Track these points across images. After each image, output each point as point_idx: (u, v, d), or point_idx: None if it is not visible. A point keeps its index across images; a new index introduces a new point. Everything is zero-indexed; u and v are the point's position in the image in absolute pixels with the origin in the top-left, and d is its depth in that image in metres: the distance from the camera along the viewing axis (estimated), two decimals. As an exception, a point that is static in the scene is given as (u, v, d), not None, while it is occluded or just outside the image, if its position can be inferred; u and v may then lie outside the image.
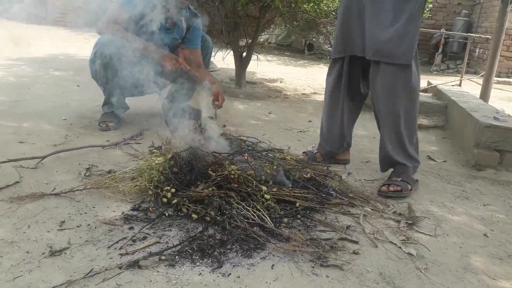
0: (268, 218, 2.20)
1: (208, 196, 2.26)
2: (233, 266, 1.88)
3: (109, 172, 2.83)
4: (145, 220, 2.23)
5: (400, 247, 2.18)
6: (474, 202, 2.95)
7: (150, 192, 2.38)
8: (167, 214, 2.27)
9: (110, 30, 3.58)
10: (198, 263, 1.88)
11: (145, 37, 3.53)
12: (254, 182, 2.37)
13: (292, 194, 2.49)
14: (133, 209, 2.34)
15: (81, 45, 10.40)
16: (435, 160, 3.84)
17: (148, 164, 2.53)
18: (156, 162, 2.53)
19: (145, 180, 2.43)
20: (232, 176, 2.34)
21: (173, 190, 2.30)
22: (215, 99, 3.55)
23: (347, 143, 3.37)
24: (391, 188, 2.80)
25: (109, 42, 3.54)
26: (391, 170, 3.07)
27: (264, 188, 2.38)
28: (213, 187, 2.31)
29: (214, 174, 2.36)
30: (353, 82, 3.10)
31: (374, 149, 3.82)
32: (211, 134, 2.77)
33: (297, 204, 2.45)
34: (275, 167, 2.57)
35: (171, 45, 3.83)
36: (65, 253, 1.87)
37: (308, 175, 2.82)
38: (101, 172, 2.83)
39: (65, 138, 3.51)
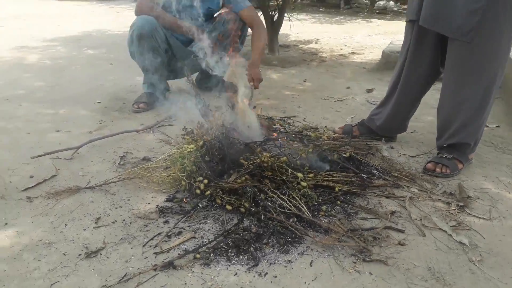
0: (305, 207, 2.08)
1: (242, 186, 2.17)
2: (270, 263, 1.80)
3: (144, 159, 2.80)
4: (180, 212, 2.19)
5: (450, 235, 2.01)
6: (534, 175, 2.69)
7: (183, 182, 2.32)
8: (201, 206, 2.21)
9: (147, 9, 3.55)
10: (233, 261, 1.82)
11: (181, 15, 3.48)
12: (289, 169, 2.24)
13: (330, 178, 2.35)
14: (167, 200, 2.30)
15: (113, 19, 10.39)
16: (487, 126, 3.52)
17: (180, 152, 2.45)
18: (188, 150, 2.45)
19: (178, 170, 2.36)
20: (265, 164, 2.22)
21: (205, 181, 2.22)
22: (251, 79, 3.39)
23: (405, 127, 3.11)
24: (438, 169, 2.58)
25: (146, 23, 3.49)
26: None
27: (299, 174, 2.25)
28: (246, 176, 2.21)
29: (247, 162, 2.25)
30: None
31: (420, 117, 3.56)
32: (244, 118, 2.63)
33: (336, 189, 2.31)
34: (310, 150, 2.42)
35: (207, 15, 3.72)
36: (101, 254, 1.86)
37: (347, 154, 2.65)
38: (135, 160, 2.80)
39: (100, 123, 3.51)
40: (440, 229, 2.06)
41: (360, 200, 2.32)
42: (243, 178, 2.20)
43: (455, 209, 2.22)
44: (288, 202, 2.11)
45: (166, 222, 2.11)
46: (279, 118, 3.22)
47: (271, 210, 2.07)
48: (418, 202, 2.31)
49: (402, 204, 2.27)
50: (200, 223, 2.10)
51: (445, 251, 1.90)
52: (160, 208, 2.21)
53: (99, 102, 4.05)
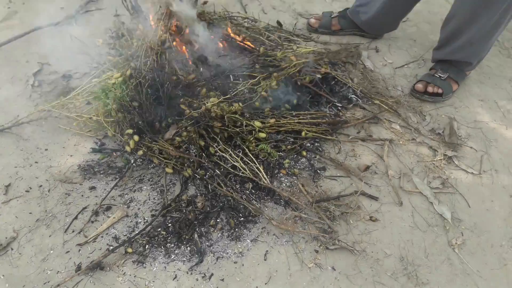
0: (262, 171, 1.69)
1: (182, 144, 1.72)
2: (217, 258, 1.52)
3: (64, 77, 2.20)
4: (109, 173, 1.77)
5: (431, 203, 1.72)
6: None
7: (109, 133, 1.83)
8: (133, 162, 1.79)
9: None
10: (173, 256, 1.52)
11: None
12: (243, 120, 1.75)
13: (296, 120, 1.89)
14: (94, 151, 1.85)
15: None
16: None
17: (104, 85, 1.88)
18: (113, 81, 1.88)
19: (101, 114, 1.84)
20: (212, 114, 1.72)
21: (136, 138, 1.74)
22: None
23: (397, 26, 2.46)
24: (429, 89, 2.12)
25: None
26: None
27: (257, 123, 1.78)
28: (189, 131, 1.73)
29: (189, 110, 1.74)
30: None
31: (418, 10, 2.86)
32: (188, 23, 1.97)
33: (303, 134, 1.88)
34: (273, 83, 1.89)
35: None
36: (12, 249, 1.52)
37: (322, 70, 2.12)
38: (53, 78, 2.20)
39: (9, 8, 2.70)
40: (421, 193, 1.75)
41: (330, 146, 1.92)
42: (184, 134, 1.72)
43: (441, 159, 1.88)
44: (241, 163, 1.71)
45: (92, 188, 1.72)
46: (237, 16, 2.48)
47: (220, 176, 1.67)
48: (399, 146, 1.94)
49: (380, 153, 1.90)
50: (135, 191, 1.72)
51: (423, 229, 1.63)
52: (85, 166, 1.78)
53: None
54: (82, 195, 1.70)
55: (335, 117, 2.00)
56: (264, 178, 1.68)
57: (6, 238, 1.54)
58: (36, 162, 1.80)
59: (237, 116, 1.74)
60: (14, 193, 1.68)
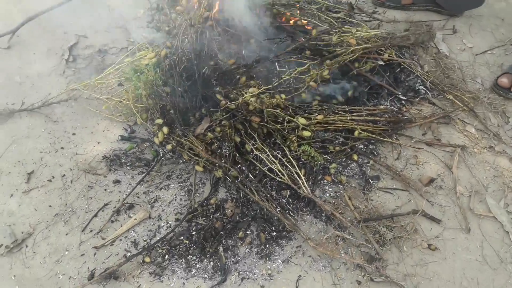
0: (303, 177, 1.46)
1: (215, 141, 1.51)
2: (242, 279, 1.33)
3: (99, 51, 2.05)
4: (136, 165, 1.62)
5: (507, 232, 1.40)
6: None
7: (138, 120, 1.67)
8: (162, 156, 1.62)
9: None
10: (193, 270, 1.36)
11: None
12: (286, 115, 1.50)
13: (350, 117, 1.60)
14: (122, 139, 1.70)
15: None
16: None
17: (136, 66, 1.70)
18: (146, 61, 1.69)
19: (131, 98, 1.68)
20: (251, 107, 1.48)
21: (165, 129, 1.56)
22: None
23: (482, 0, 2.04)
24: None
25: None
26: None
27: (302, 120, 1.52)
28: (223, 125, 1.52)
29: (225, 101, 1.51)
30: None
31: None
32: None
33: (356, 133, 1.60)
34: (325, 73, 1.60)
35: None
36: (26, 246, 1.43)
37: (386, 56, 1.80)
38: (89, 53, 2.06)
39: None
40: (494, 217, 1.44)
41: (388, 150, 1.63)
42: (218, 129, 1.51)
43: (525, 176, 1.53)
44: (279, 166, 1.48)
45: (117, 182, 1.58)
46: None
47: (253, 181, 1.46)
48: (473, 155, 1.60)
49: (448, 163, 1.58)
50: (161, 188, 1.56)
51: (494, 266, 1.34)
52: (112, 156, 1.65)
53: None
54: (106, 189, 1.57)
55: (398, 113, 1.69)
56: (304, 186, 1.44)
57: (22, 233, 1.45)
58: (62, 148, 1.69)
59: (278, 111, 1.49)
60: (37, 181, 1.59)
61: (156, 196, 1.54)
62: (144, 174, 1.58)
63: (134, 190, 1.54)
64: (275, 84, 1.52)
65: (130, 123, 1.75)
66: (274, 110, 1.49)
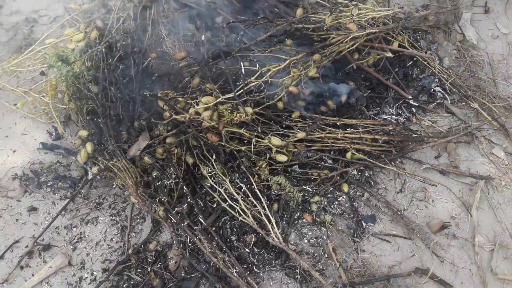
0: (272, 217, 1.08)
1: (156, 165, 1.11)
2: None
3: (27, 21, 1.59)
4: (59, 186, 1.24)
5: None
6: None
7: (59, 129, 1.26)
8: (90, 179, 1.23)
9: None
10: None
11: None
12: (252, 135, 1.10)
13: (341, 134, 1.20)
14: (44, 147, 1.30)
15: None
16: None
17: (59, 51, 1.26)
18: (73, 44, 1.25)
19: (51, 95, 1.25)
20: (205, 123, 1.07)
21: (89, 147, 1.16)
22: None
23: None
24: None
25: None
26: None
27: (275, 141, 1.12)
28: (166, 145, 1.11)
29: (169, 113, 1.09)
30: None
31: None
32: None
33: (348, 156, 1.21)
34: (313, 72, 1.17)
35: None
36: None
37: (395, 46, 1.36)
38: (15, 22, 1.60)
39: None
40: (524, 284, 1.09)
41: (389, 178, 1.25)
42: (160, 150, 1.11)
43: None
44: (242, 202, 1.10)
45: (32, 210, 1.21)
46: None
47: (205, 227, 1.09)
48: (500, 191, 1.22)
49: (466, 200, 1.20)
50: (88, 222, 1.19)
51: None
52: (29, 173, 1.26)
53: None
54: (17, 220, 1.20)
55: (405, 128, 1.28)
56: (275, 233, 1.07)
57: None
58: (-32, 156, 1.29)
59: (242, 130, 1.08)
60: None
61: (81, 233, 1.17)
62: (66, 202, 1.20)
63: (54, 223, 1.17)
64: (238, 92, 1.09)
65: (57, 123, 1.34)
66: (237, 130, 1.08)
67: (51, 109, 1.31)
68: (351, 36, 1.24)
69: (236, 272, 1.03)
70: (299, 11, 1.23)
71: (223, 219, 1.15)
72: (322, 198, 1.20)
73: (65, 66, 1.19)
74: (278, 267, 1.10)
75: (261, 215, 1.09)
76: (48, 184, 1.25)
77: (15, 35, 1.57)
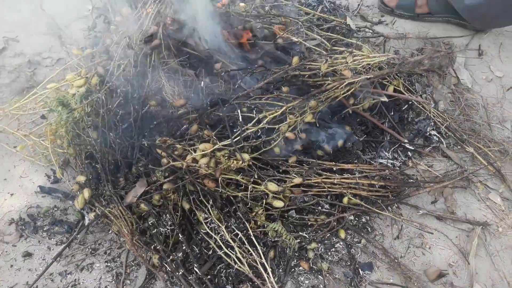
0: (268, 265, 1.07)
1: (152, 213, 1.12)
2: None
3: (30, 63, 1.63)
4: (55, 231, 1.24)
5: None
6: None
7: (57, 173, 1.27)
8: (87, 225, 1.22)
9: None
10: None
11: None
12: (249, 184, 1.10)
13: (338, 179, 1.20)
14: (42, 191, 1.31)
15: None
16: None
17: (60, 96, 1.28)
18: (72, 90, 1.28)
19: (51, 140, 1.27)
20: (202, 170, 1.08)
21: (86, 193, 1.16)
22: None
23: None
24: None
25: None
26: None
27: (271, 186, 1.12)
28: (165, 189, 1.12)
29: (167, 160, 1.10)
30: None
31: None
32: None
33: (345, 201, 1.21)
34: (309, 117, 1.19)
35: None
36: None
37: (390, 90, 1.38)
38: (18, 64, 1.64)
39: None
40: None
41: (386, 224, 1.24)
42: (157, 197, 1.12)
43: None
44: (237, 249, 1.09)
45: (27, 256, 1.20)
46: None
47: (201, 275, 1.08)
48: (497, 237, 1.22)
49: (463, 247, 1.19)
50: (83, 268, 1.18)
51: None
52: (25, 218, 1.26)
53: None
54: (12, 266, 1.19)
55: (401, 172, 1.29)
56: (271, 284, 1.06)
57: None
58: (-35, 200, 1.29)
59: (238, 177, 1.09)
60: None
61: (75, 280, 1.16)
62: (62, 247, 1.19)
63: (48, 269, 1.16)
64: (235, 139, 1.10)
65: (56, 167, 1.35)
66: (233, 176, 1.09)
67: (50, 153, 1.32)
68: (346, 82, 1.27)
69: (231, 323, 1.02)
70: (295, 60, 1.26)
71: (218, 267, 1.14)
72: (319, 244, 1.19)
73: (66, 111, 1.22)
74: (274, 318, 1.08)
75: (257, 264, 1.08)
76: (44, 229, 1.24)
77: (18, 77, 1.60)
